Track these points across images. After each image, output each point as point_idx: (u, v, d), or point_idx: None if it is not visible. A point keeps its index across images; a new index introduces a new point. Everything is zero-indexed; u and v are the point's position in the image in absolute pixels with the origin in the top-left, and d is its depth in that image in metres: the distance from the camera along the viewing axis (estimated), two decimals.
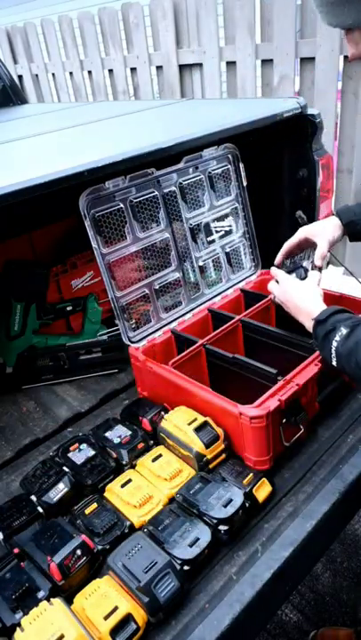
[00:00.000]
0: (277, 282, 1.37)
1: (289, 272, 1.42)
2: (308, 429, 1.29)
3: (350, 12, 1.00)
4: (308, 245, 1.45)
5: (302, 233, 1.44)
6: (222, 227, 1.72)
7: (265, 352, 1.47)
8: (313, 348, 1.29)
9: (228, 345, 1.49)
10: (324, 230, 1.41)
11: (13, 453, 1.44)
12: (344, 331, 1.10)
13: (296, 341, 1.41)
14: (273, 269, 1.41)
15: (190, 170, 1.59)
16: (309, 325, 1.20)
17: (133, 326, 1.50)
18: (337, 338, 1.10)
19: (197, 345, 1.44)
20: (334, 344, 1.10)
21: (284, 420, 1.20)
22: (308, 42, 3.00)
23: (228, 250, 1.74)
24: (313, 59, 3.02)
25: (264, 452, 1.19)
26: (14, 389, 1.72)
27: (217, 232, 1.70)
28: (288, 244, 1.46)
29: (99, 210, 1.37)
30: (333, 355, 1.11)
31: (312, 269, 1.42)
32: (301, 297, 1.28)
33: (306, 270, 1.45)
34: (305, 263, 1.48)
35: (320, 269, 1.41)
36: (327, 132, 2.48)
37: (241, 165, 1.69)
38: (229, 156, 1.67)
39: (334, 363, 1.11)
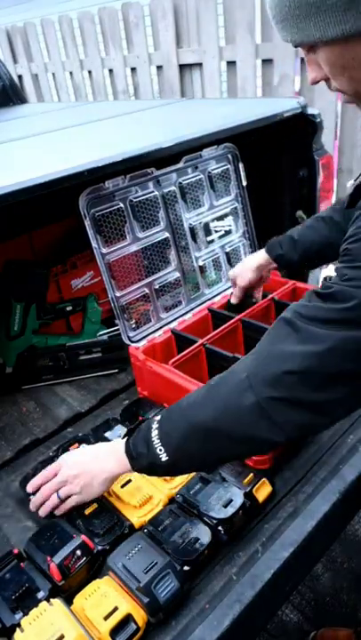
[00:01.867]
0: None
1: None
2: None
3: (318, 25, 0.74)
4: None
5: (231, 275, 1.58)
6: (222, 226, 1.72)
7: None
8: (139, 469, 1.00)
9: (229, 344, 1.49)
10: (238, 274, 1.54)
11: (13, 453, 1.44)
12: (158, 416, 0.95)
13: None
14: (46, 475, 1.12)
15: (190, 169, 1.59)
16: (123, 458, 0.99)
17: (133, 326, 1.50)
18: (155, 425, 0.93)
19: (197, 344, 1.44)
20: (155, 433, 0.91)
21: None
22: None
23: (227, 250, 1.74)
24: None
25: None
26: (14, 389, 1.72)
27: (217, 232, 1.70)
28: (241, 289, 1.56)
29: (98, 209, 1.37)
30: (158, 446, 0.90)
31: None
32: (90, 449, 1.10)
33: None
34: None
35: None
36: (327, 132, 2.48)
37: (241, 165, 1.69)
38: (229, 155, 1.67)
39: (164, 457, 0.90)
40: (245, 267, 1.53)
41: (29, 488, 1.15)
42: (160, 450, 0.91)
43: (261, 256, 1.49)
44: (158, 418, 0.95)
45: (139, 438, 0.96)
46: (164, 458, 0.91)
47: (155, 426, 0.94)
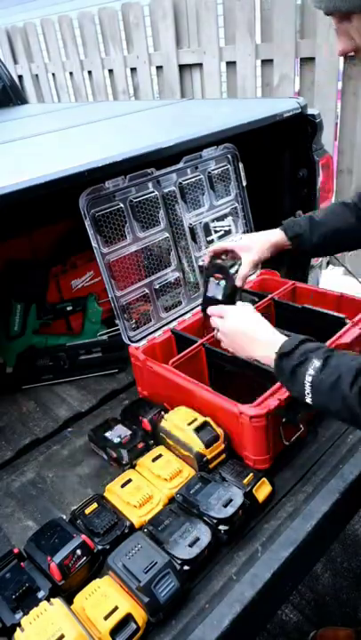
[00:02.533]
0: (222, 318, 1.22)
1: (210, 275, 1.37)
2: (308, 428, 1.29)
3: None
4: (235, 256, 1.36)
5: (231, 244, 1.36)
6: (222, 227, 1.72)
7: None
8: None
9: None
10: (253, 247, 1.33)
11: (13, 453, 1.44)
12: (317, 362, 0.96)
13: None
14: (214, 309, 1.25)
15: (190, 170, 1.59)
16: (270, 358, 1.05)
17: (133, 326, 1.50)
18: (311, 371, 0.96)
19: (197, 344, 1.44)
20: (308, 379, 0.96)
21: (284, 419, 1.20)
22: (308, 42, 3.00)
23: None
24: (313, 59, 3.02)
25: (264, 451, 1.19)
26: (14, 389, 1.72)
27: (216, 232, 1.70)
28: (213, 248, 1.39)
29: (98, 209, 1.37)
30: (309, 391, 0.96)
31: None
32: (255, 328, 1.14)
33: (254, 302, 1.45)
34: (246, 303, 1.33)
35: (241, 291, 1.37)
36: (327, 132, 2.48)
37: (240, 165, 1.69)
38: (229, 155, 1.67)
39: (309, 400, 0.97)
40: (260, 240, 1.34)
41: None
42: (308, 393, 0.96)
43: (278, 234, 1.35)
44: (319, 364, 0.95)
45: (294, 367, 0.99)
46: (308, 400, 0.97)
47: (312, 371, 0.95)
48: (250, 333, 1.15)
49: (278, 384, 1.23)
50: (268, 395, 1.18)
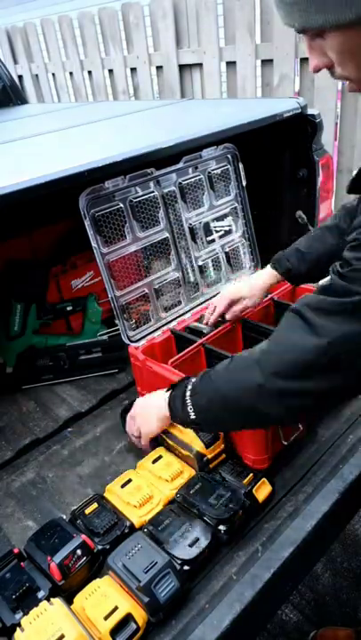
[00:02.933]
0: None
1: None
2: (307, 428, 1.29)
3: (334, 8, 0.71)
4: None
5: (225, 299, 1.49)
6: (222, 226, 1.72)
7: None
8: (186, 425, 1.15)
9: (228, 344, 1.49)
10: (255, 294, 1.48)
11: (13, 453, 1.44)
12: (193, 378, 1.06)
13: None
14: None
15: (190, 170, 1.59)
16: (165, 411, 1.13)
17: (133, 326, 1.50)
18: (189, 387, 1.05)
19: (197, 344, 1.44)
20: (187, 394, 1.04)
21: None
22: None
23: (227, 250, 1.74)
24: None
25: (262, 450, 1.19)
26: (14, 389, 1.72)
27: (216, 232, 1.70)
28: (219, 311, 1.51)
29: (98, 209, 1.36)
30: (190, 405, 1.04)
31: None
32: (149, 396, 1.25)
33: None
34: None
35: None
36: (327, 132, 2.48)
37: (240, 165, 1.69)
38: (229, 155, 1.67)
39: (193, 415, 1.04)
40: (255, 287, 1.48)
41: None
42: (190, 409, 1.03)
43: (269, 273, 1.46)
44: (194, 380, 1.06)
45: (177, 394, 1.08)
46: (192, 416, 1.04)
47: (190, 387, 1.05)
48: (145, 400, 1.26)
49: None
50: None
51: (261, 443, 1.18)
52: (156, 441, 1.29)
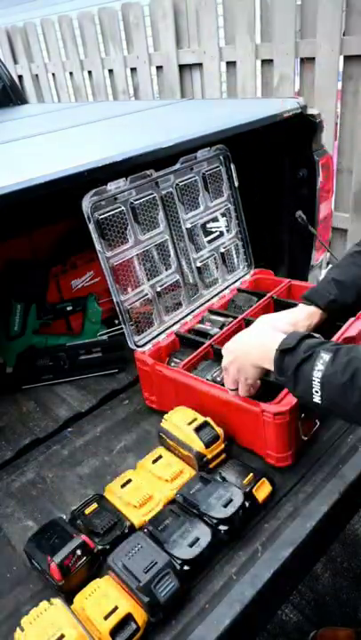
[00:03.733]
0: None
1: None
2: (323, 423, 1.29)
3: None
4: None
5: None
6: (217, 227, 1.72)
7: None
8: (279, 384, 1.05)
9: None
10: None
11: (13, 453, 1.44)
12: (326, 356, 0.89)
13: None
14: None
15: (186, 171, 1.58)
16: (270, 359, 0.99)
17: (138, 330, 1.49)
18: (319, 366, 0.89)
19: (205, 345, 1.44)
20: (317, 374, 0.89)
21: (302, 415, 1.19)
22: (308, 42, 2.99)
23: (222, 250, 1.74)
24: (313, 59, 3.01)
25: (286, 447, 1.19)
26: (14, 389, 1.72)
27: (212, 233, 1.70)
28: None
29: (102, 212, 1.36)
30: (318, 389, 0.89)
31: None
32: (251, 331, 1.12)
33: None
34: None
35: None
36: (327, 132, 2.48)
37: (232, 166, 1.68)
38: (221, 157, 1.67)
39: (318, 399, 0.90)
40: (298, 326, 1.26)
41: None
42: (316, 391, 0.89)
43: (308, 311, 1.28)
44: (329, 357, 0.89)
45: (298, 364, 0.93)
46: (316, 399, 0.90)
47: (321, 366, 0.89)
48: (245, 338, 1.13)
49: None
50: (286, 392, 1.18)
51: (285, 440, 1.18)
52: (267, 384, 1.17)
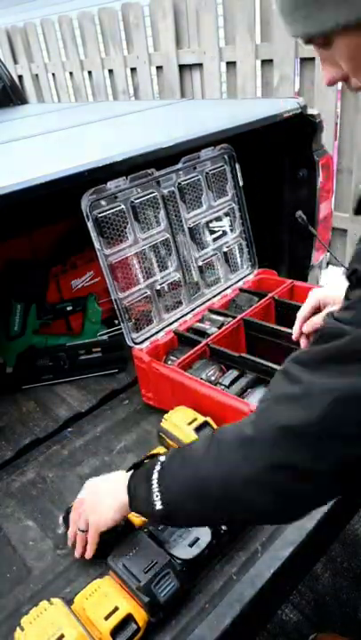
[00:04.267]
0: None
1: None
2: None
3: (340, 6, 0.62)
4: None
5: (314, 299, 1.22)
6: (220, 227, 1.72)
7: (268, 349, 1.47)
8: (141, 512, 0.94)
9: (231, 344, 1.49)
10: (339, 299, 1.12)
11: (13, 453, 1.44)
12: (162, 458, 0.87)
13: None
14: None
15: (189, 170, 1.59)
16: (123, 497, 0.93)
17: (136, 328, 1.50)
18: (157, 467, 0.85)
19: (202, 345, 1.44)
20: (155, 475, 0.84)
21: None
22: None
23: (225, 250, 1.74)
24: (313, 59, 3.01)
25: None
26: (14, 389, 1.72)
27: (215, 232, 1.70)
28: (302, 316, 1.24)
29: (101, 211, 1.36)
30: (157, 492, 0.83)
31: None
32: (101, 478, 1.07)
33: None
34: None
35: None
36: (327, 132, 2.48)
37: (237, 165, 1.69)
38: (226, 156, 1.67)
39: (159, 503, 0.83)
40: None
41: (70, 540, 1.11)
42: (156, 496, 0.84)
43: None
44: (163, 459, 0.87)
45: (139, 478, 0.90)
46: (158, 506, 0.83)
47: (157, 467, 0.86)
48: (97, 484, 1.06)
49: None
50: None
51: None
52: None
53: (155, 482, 0.84)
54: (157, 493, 0.84)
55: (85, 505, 1.04)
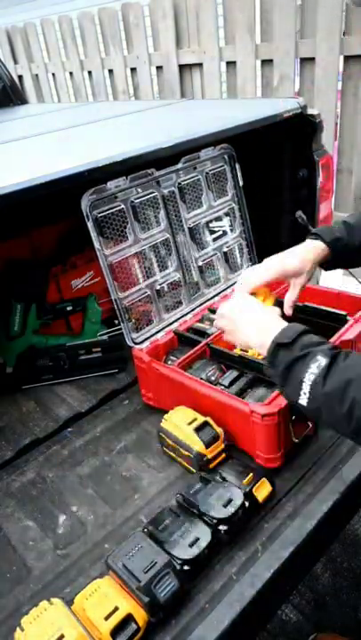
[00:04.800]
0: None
1: None
2: (316, 425, 1.29)
3: None
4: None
5: (273, 272, 1.20)
6: (220, 227, 1.72)
7: None
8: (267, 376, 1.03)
9: (232, 344, 1.49)
10: (303, 269, 1.19)
11: (13, 453, 1.44)
12: (323, 361, 0.85)
13: None
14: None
15: (189, 170, 1.59)
16: (265, 346, 0.95)
17: (136, 328, 1.50)
18: (313, 369, 0.85)
19: (202, 344, 1.44)
20: (310, 377, 0.85)
21: (293, 417, 1.19)
22: (308, 42, 3.00)
23: (225, 250, 1.74)
24: (313, 59, 3.02)
25: (275, 449, 1.19)
26: (14, 389, 1.72)
27: (215, 232, 1.70)
28: (252, 284, 1.20)
29: (101, 211, 1.36)
30: (307, 393, 0.86)
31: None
32: (254, 311, 1.08)
33: None
34: None
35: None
36: (327, 132, 2.48)
37: (237, 165, 1.69)
38: (226, 156, 1.67)
39: (305, 402, 0.86)
40: (307, 259, 1.18)
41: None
42: (304, 394, 0.86)
43: (314, 246, 1.19)
44: (325, 362, 0.85)
45: (292, 361, 0.89)
46: (302, 401, 0.86)
47: (315, 369, 0.85)
48: (245, 315, 1.08)
49: None
50: (278, 393, 1.18)
51: (274, 441, 1.18)
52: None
53: (306, 384, 0.85)
54: (307, 393, 0.85)
55: (226, 330, 1.14)
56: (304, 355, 0.88)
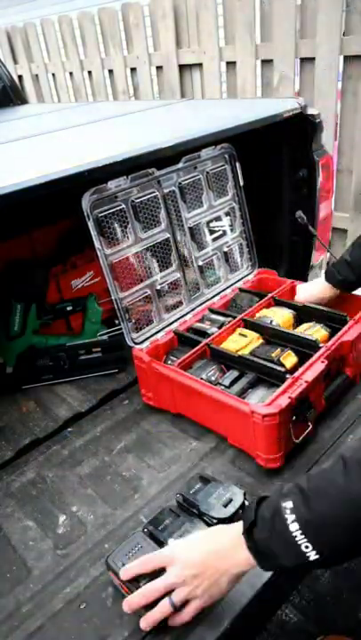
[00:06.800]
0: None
1: None
2: (316, 426, 1.29)
3: None
4: None
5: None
6: (220, 226, 1.72)
7: None
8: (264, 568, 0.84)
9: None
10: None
11: (13, 453, 1.44)
12: (289, 503, 0.77)
13: (299, 338, 1.41)
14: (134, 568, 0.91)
15: (189, 170, 1.59)
16: (248, 563, 0.82)
17: (136, 327, 1.50)
18: (289, 510, 0.76)
19: (202, 345, 1.44)
20: (294, 526, 0.75)
21: (294, 418, 1.20)
22: (308, 42, 3.00)
23: (225, 249, 1.74)
24: (313, 59, 3.01)
25: (276, 449, 1.19)
26: (14, 389, 1.72)
27: (215, 232, 1.70)
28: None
29: (101, 210, 1.36)
30: (304, 541, 0.74)
31: None
32: (210, 537, 0.91)
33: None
34: None
35: None
36: (327, 132, 2.48)
37: (238, 165, 1.69)
38: (226, 155, 1.67)
39: (313, 554, 0.74)
40: (317, 299, 1.56)
41: (124, 575, 0.92)
42: (306, 547, 0.74)
43: (325, 287, 1.54)
44: (290, 505, 0.77)
45: (268, 533, 0.79)
46: (313, 557, 0.74)
47: (290, 517, 0.76)
48: (208, 549, 0.87)
49: (288, 382, 1.22)
50: (280, 393, 1.19)
51: (275, 441, 1.18)
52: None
53: (296, 532, 0.75)
54: (306, 544, 0.74)
55: (200, 576, 0.86)
56: (274, 510, 0.79)
